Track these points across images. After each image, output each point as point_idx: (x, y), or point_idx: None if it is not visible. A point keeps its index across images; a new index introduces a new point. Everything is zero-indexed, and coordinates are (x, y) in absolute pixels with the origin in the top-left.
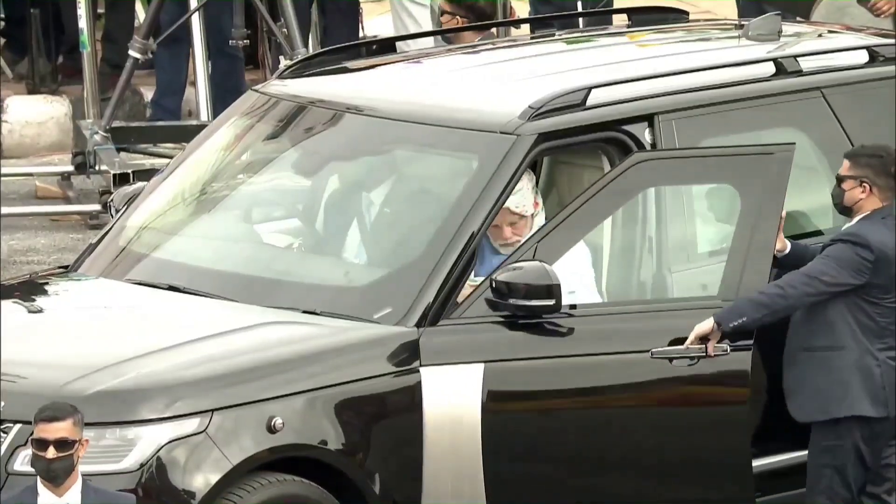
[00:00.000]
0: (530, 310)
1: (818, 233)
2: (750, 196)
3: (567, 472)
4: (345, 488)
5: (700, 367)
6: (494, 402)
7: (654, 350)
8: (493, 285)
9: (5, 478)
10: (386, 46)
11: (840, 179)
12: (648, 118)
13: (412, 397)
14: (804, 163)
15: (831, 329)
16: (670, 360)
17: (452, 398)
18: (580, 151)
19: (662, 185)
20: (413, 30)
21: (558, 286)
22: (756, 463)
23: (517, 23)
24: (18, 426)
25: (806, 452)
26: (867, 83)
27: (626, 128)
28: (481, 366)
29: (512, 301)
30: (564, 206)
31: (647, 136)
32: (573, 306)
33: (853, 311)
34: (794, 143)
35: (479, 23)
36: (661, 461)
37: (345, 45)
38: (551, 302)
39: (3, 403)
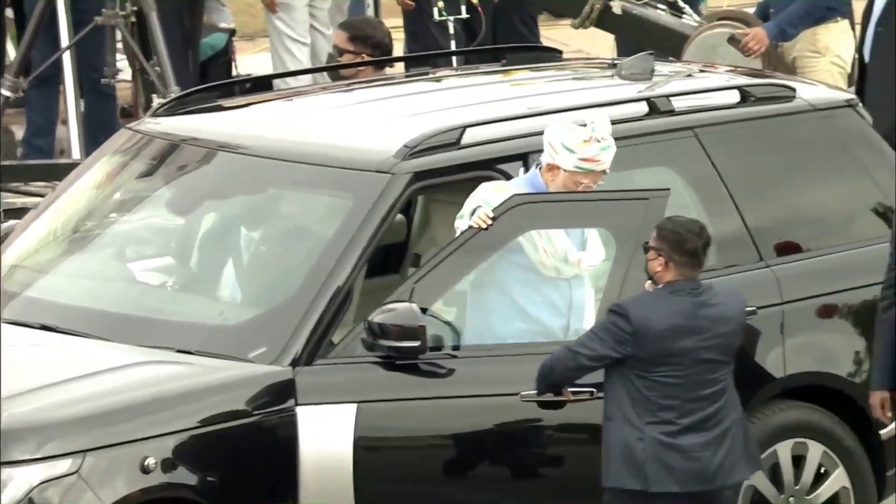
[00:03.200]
0: (398, 351)
1: None
2: (624, 240)
3: None
4: None
5: (568, 412)
6: (366, 443)
7: (522, 393)
8: (368, 326)
9: None
10: (261, 85)
11: (645, 249)
12: (523, 157)
13: (288, 437)
14: (677, 202)
15: (608, 399)
16: (538, 403)
17: (327, 438)
18: (456, 190)
19: (540, 227)
20: (292, 67)
21: (423, 328)
22: None
23: (392, 61)
24: None
25: None
26: (739, 123)
27: (501, 166)
28: (354, 406)
29: (381, 342)
30: (441, 246)
31: (522, 174)
32: (456, 347)
33: (623, 383)
34: (668, 189)
35: (361, 61)
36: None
37: (219, 83)
38: (416, 343)
39: None
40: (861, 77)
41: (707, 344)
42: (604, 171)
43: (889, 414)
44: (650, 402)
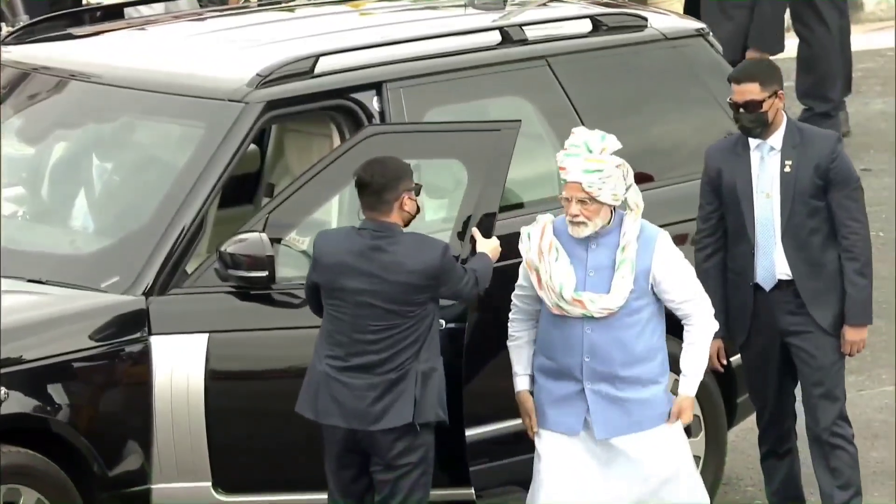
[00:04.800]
0: (248, 281)
1: (543, 201)
2: (475, 170)
3: (286, 443)
4: (73, 459)
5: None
6: (217, 373)
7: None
8: (220, 256)
9: None
10: (112, 14)
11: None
12: (376, 86)
13: (140, 366)
14: (530, 131)
15: None
16: None
17: (179, 368)
18: (309, 119)
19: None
20: None
21: (272, 258)
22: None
23: None
24: None
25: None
26: (591, 52)
27: (355, 96)
28: (205, 335)
29: (232, 272)
30: (295, 176)
31: (375, 105)
32: None
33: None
34: (519, 121)
35: None
36: None
37: (69, 11)
38: (264, 274)
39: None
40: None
41: (371, 288)
42: (581, 189)
43: (724, 361)
44: (328, 335)
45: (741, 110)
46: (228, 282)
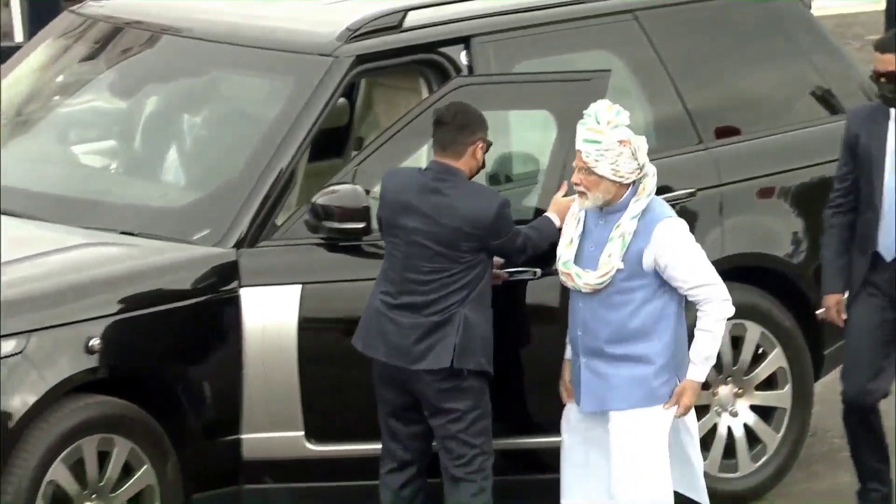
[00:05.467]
0: (343, 232)
1: None
2: (565, 121)
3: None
4: (163, 409)
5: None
6: (310, 323)
7: None
8: (312, 208)
9: None
10: None
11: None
12: (465, 40)
13: (231, 318)
14: (617, 85)
15: None
16: None
17: (271, 319)
18: (398, 73)
19: (481, 109)
20: None
21: (367, 209)
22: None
23: None
24: None
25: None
26: (680, 6)
27: (443, 50)
28: (298, 287)
29: (326, 224)
30: (383, 129)
31: (463, 59)
32: None
33: None
34: (609, 70)
35: None
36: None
37: None
38: (361, 225)
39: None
40: None
41: (424, 229)
42: (589, 170)
43: (844, 316)
44: (384, 272)
45: (882, 80)
46: (319, 233)
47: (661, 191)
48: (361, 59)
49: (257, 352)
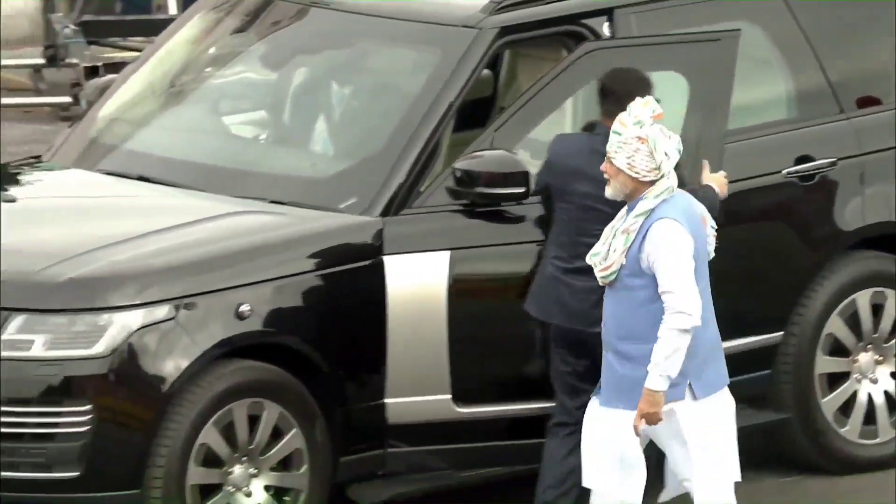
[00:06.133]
0: (498, 198)
1: (769, 125)
2: (697, 82)
3: (526, 353)
4: (310, 374)
5: None
6: (459, 289)
7: None
8: (456, 174)
9: None
10: None
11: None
12: (608, 12)
13: (377, 286)
14: (758, 55)
15: None
16: None
17: (417, 285)
18: (541, 45)
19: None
20: None
21: (527, 174)
22: None
23: None
24: None
25: None
26: None
27: (586, 21)
28: (447, 253)
29: (478, 189)
30: (519, 94)
31: (606, 30)
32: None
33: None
34: (739, 30)
35: None
36: None
37: None
38: (521, 189)
39: None
40: None
41: (596, 192)
42: (611, 160)
43: None
44: (555, 237)
45: None
46: (465, 199)
47: (802, 160)
48: (505, 30)
49: (403, 318)
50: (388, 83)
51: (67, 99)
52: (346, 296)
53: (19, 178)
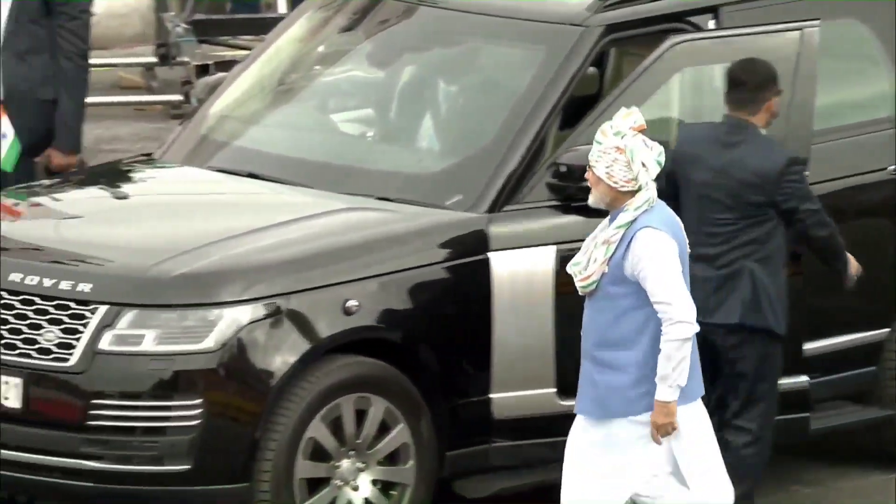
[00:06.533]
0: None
1: (876, 122)
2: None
3: None
4: (415, 369)
5: None
6: (567, 285)
7: None
8: (559, 169)
9: (93, 357)
10: None
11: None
12: (713, 9)
13: (482, 280)
14: (864, 53)
15: None
16: None
17: (523, 281)
18: (647, 42)
19: (695, 65)
20: None
21: None
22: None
23: None
24: (106, 307)
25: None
26: None
27: (691, 19)
28: (553, 248)
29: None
30: (630, 97)
31: (711, 27)
32: None
33: None
34: (818, 19)
35: None
36: None
37: None
38: None
39: None
40: None
41: (715, 182)
42: (593, 173)
43: None
44: (685, 224)
45: None
46: (566, 194)
47: None
48: (611, 28)
49: (508, 313)
50: (494, 81)
51: (178, 97)
52: (452, 291)
53: (131, 175)
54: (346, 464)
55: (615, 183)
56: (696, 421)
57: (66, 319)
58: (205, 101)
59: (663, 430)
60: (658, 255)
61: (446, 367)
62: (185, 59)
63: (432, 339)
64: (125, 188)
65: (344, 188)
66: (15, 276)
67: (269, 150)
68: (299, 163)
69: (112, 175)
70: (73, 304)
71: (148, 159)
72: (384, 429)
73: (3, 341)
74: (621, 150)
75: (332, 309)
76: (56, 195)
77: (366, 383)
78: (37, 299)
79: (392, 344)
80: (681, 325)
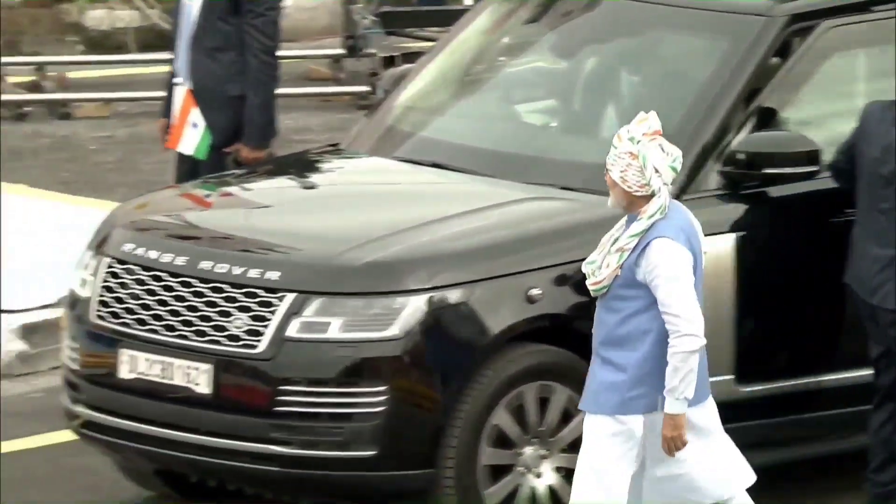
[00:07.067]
0: (788, 178)
1: None
2: None
3: (824, 342)
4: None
5: None
6: (749, 271)
7: None
8: (737, 156)
9: (281, 344)
10: None
11: None
12: None
13: None
14: None
15: None
16: None
17: (704, 270)
18: None
19: (854, 48)
20: None
21: (818, 151)
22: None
23: None
24: (294, 295)
25: None
26: None
27: (877, 8)
28: (733, 235)
29: (767, 171)
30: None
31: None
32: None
33: None
34: None
35: None
36: None
37: None
38: (814, 168)
39: None
40: None
41: (884, 159)
42: (609, 176)
43: None
44: (858, 200)
45: None
46: (748, 182)
47: None
48: (795, 18)
49: None
50: (678, 71)
51: (365, 88)
52: None
53: (319, 164)
54: (529, 451)
55: (629, 187)
56: (704, 419)
57: (254, 307)
58: (391, 92)
59: (674, 443)
60: (671, 266)
61: None
62: (372, 50)
63: None
64: (313, 178)
65: (527, 178)
66: (205, 265)
67: (454, 140)
68: (483, 153)
69: (300, 165)
70: (261, 292)
71: (335, 149)
72: (567, 417)
73: (193, 328)
74: (634, 155)
75: (515, 297)
76: (245, 185)
77: (549, 371)
78: (226, 287)
79: (575, 332)
80: (688, 337)
